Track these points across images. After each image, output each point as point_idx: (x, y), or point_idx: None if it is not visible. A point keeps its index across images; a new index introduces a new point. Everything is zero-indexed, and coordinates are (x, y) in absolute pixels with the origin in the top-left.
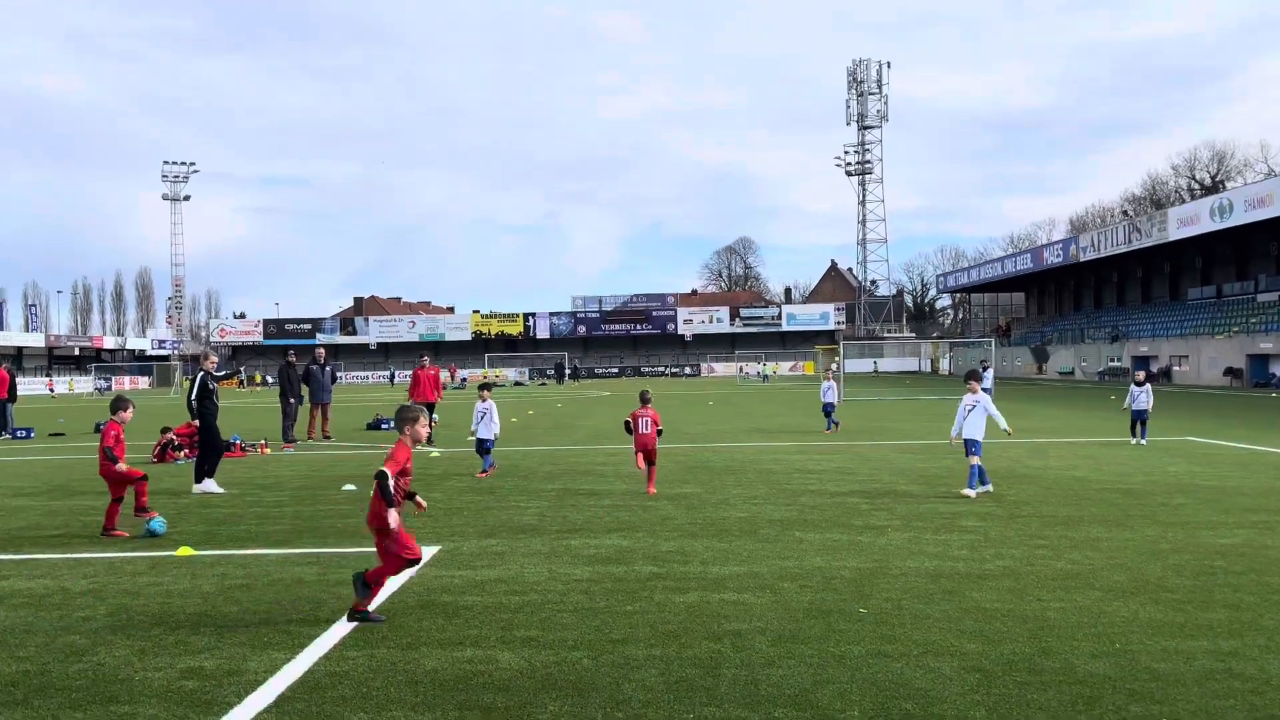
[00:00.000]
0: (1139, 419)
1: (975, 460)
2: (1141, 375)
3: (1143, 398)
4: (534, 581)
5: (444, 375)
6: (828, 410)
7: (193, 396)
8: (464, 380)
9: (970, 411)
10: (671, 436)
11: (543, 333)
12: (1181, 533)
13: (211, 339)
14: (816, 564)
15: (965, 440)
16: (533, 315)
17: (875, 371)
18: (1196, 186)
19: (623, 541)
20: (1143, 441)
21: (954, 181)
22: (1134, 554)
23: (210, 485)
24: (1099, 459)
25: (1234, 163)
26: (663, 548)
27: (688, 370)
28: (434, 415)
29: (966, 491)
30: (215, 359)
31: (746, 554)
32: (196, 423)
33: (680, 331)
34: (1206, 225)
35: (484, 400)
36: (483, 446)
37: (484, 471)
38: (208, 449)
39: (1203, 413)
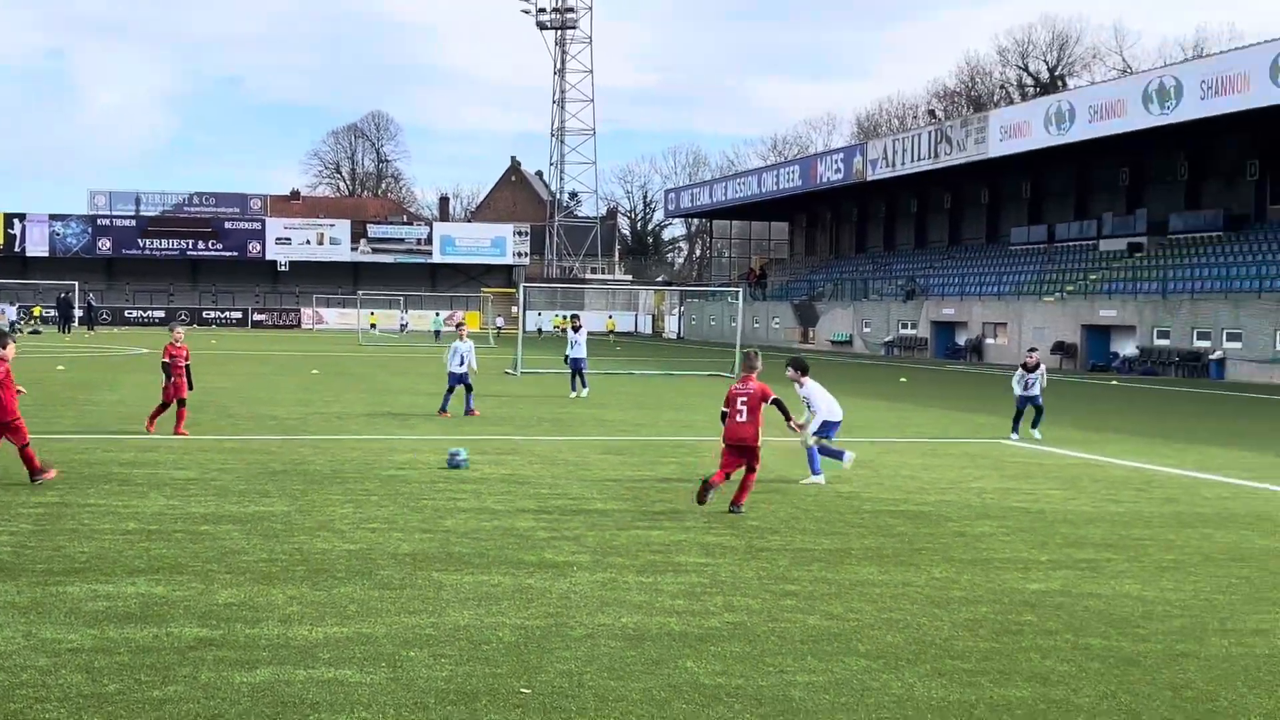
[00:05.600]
0: (1027, 406)
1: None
2: (1034, 357)
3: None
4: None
5: None
6: (460, 382)
7: None
8: None
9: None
10: (245, 424)
11: (36, 248)
12: (982, 574)
13: None
14: (462, 622)
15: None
16: (20, 219)
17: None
18: (1030, 82)
19: (155, 588)
20: (1035, 434)
21: (696, 51)
22: (915, 605)
23: None
24: (878, 468)
25: (1079, 50)
26: (220, 598)
27: (281, 318)
28: None
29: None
30: None
31: (355, 608)
32: None
33: (271, 256)
34: (1040, 138)
35: None
36: None
37: None
38: None
39: None
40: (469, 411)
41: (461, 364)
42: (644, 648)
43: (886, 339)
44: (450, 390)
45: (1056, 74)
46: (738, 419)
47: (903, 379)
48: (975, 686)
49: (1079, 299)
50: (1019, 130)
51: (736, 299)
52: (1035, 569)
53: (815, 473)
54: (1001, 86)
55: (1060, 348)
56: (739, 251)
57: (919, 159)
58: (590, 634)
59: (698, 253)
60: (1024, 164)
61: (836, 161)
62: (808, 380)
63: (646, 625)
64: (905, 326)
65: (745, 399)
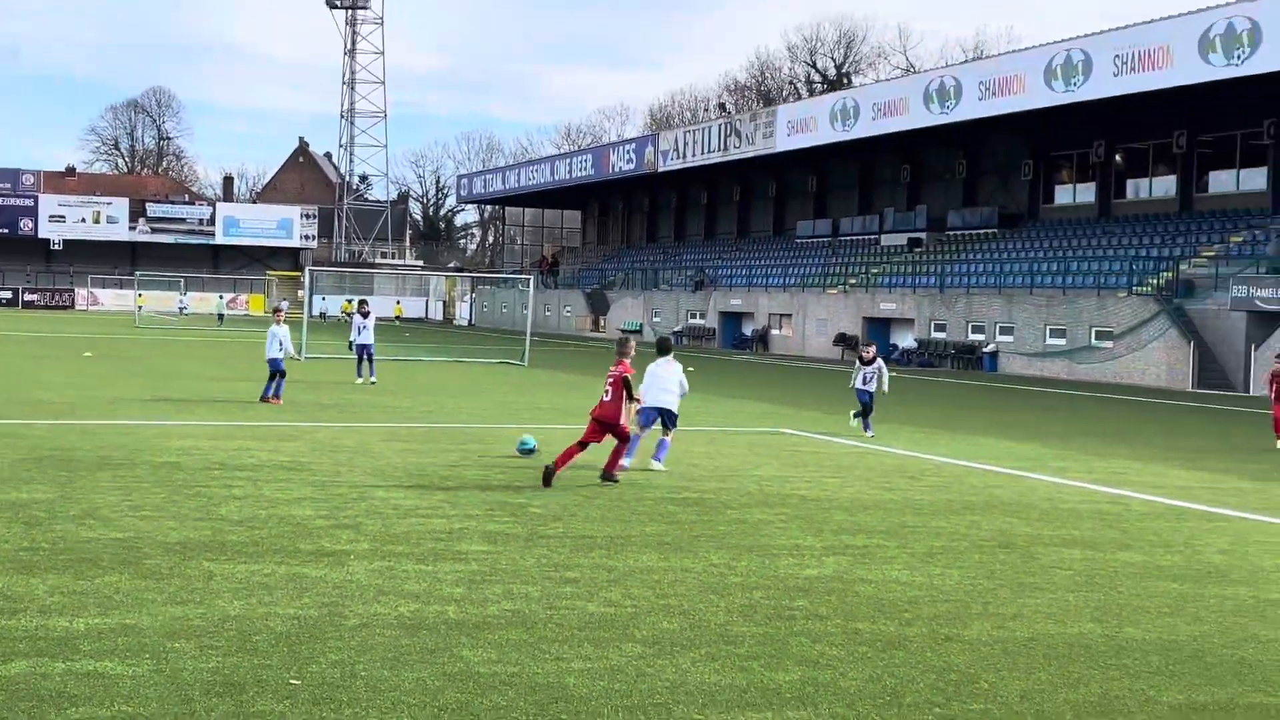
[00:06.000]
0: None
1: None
2: (871, 351)
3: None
4: None
5: None
6: (277, 369)
7: None
8: None
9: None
10: (10, 408)
11: None
12: (757, 560)
13: None
14: (232, 612)
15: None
16: None
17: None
18: (818, 78)
19: None
20: (869, 434)
21: (490, 37)
22: (693, 590)
23: None
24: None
25: (865, 50)
26: None
27: (54, 298)
28: None
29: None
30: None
31: (119, 598)
32: None
33: (44, 234)
34: (825, 134)
35: None
36: None
37: None
38: None
39: (806, 394)
40: (273, 398)
41: (280, 349)
42: (420, 636)
43: (675, 329)
44: (274, 375)
45: (843, 71)
46: (604, 398)
47: (690, 369)
48: (747, 671)
49: (861, 292)
50: (806, 126)
51: (528, 286)
52: (809, 555)
53: (656, 459)
54: (790, 82)
55: (842, 339)
56: (531, 239)
57: (709, 151)
58: (365, 623)
59: (490, 239)
60: (810, 159)
61: (629, 152)
62: (658, 360)
63: (424, 614)
64: (694, 316)
65: (612, 380)
